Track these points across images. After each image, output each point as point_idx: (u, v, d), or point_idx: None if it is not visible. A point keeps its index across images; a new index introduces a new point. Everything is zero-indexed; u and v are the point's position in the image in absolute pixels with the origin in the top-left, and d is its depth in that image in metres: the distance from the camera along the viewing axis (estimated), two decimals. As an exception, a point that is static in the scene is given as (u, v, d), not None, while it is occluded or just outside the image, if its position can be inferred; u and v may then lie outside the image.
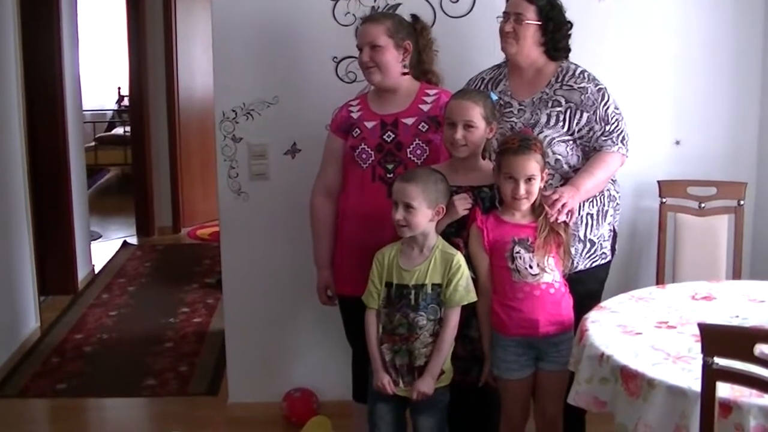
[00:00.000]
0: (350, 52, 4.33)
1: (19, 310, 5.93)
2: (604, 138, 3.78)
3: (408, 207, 3.43)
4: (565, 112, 3.79)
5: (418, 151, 3.79)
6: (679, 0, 4.50)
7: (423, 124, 3.80)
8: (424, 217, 3.46)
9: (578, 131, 3.79)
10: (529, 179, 3.44)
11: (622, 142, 3.81)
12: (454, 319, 3.51)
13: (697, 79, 4.56)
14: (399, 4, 4.37)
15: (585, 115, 3.78)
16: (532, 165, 3.44)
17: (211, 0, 4.42)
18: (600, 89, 3.82)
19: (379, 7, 4.37)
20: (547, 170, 3.55)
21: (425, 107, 3.84)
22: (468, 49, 4.34)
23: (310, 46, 4.42)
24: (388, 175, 3.76)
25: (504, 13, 3.85)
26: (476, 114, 3.57)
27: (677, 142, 4.59)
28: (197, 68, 9.11)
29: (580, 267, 3.81)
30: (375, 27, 3.81)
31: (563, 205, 3.49)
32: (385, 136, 3.80)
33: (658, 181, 4.49)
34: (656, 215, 4.51)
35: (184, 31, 9.07)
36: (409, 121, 3.81)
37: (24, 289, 6.01)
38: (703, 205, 4.48)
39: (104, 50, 12.81)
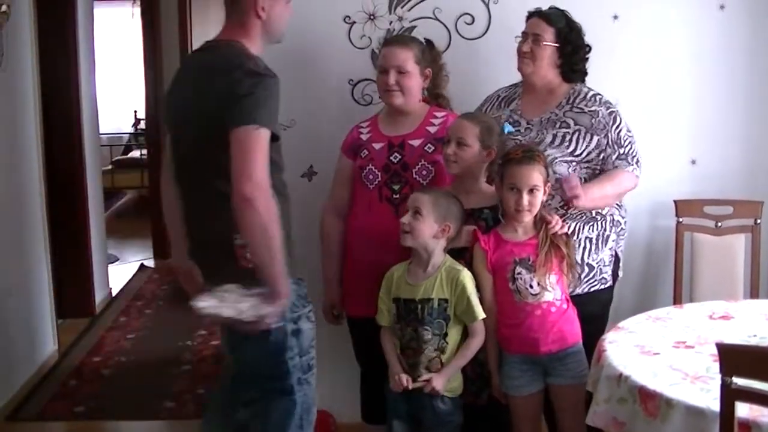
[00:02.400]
0: (366, 74, 4.37)
1: (37, 332, 5.95)
2: (619, 160, 3.79)
3: (416, 213, 3.48)
4: (573, 134, 3.80)
5: (424, 172, 3.83)
6: (693, 18, 4.50)
7: (429, 145, 3.84)
8: (429, 229, 3.49)
9: (586, 154, 3.79)
10: (531, 190, 3.46)
11: (636, 163, 3.82)
12: (481, 331, 3.55)
13: (712, 98, 4.55)
14: (414, 26, 4.40)
15: (595, 138, 3.79)
16: (535, 175, 3.46)
17: (227, 24, 4.45)
18: (612, 113, 3.82)
19: (394, 30, 4.39)
20: (549, 184, 3.56)
21: (432, 129, 3.88)
22: (483, 71, 4.36)
23: (326, 68, 4.44)
24: (395, 196, 3.80)
25: (522, 33, 3.89)
26: (470, 134, 3.61)
27: (693, 162, 4.58)
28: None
29: (578, 291, 3.80)
30: (404, 51, 3.83)
31: (568, 209, 3.56)
32: (391, 157, 3.84)
33: (675, 201, 4.49)
34: (673, 235, 4.50)
35: (200, 54, 9.09)
36: (416, 142, 3.85)
37: (42, 312, 6.03)
38: (719, 224, 4.48)
39: (120, 74, 12.88)
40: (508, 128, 3.72)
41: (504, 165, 3.53)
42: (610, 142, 3.78)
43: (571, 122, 3.82)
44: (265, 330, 3.09)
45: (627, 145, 3.80)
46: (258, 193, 2.91)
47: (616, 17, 4.44)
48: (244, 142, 2.94)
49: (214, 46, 3.24)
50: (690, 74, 4.54)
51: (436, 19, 4.42)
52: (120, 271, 8.74)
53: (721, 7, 4.47)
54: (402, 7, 4.41)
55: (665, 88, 4.52)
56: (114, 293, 7.92)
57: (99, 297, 7.37)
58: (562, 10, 3.91)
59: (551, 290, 3.50)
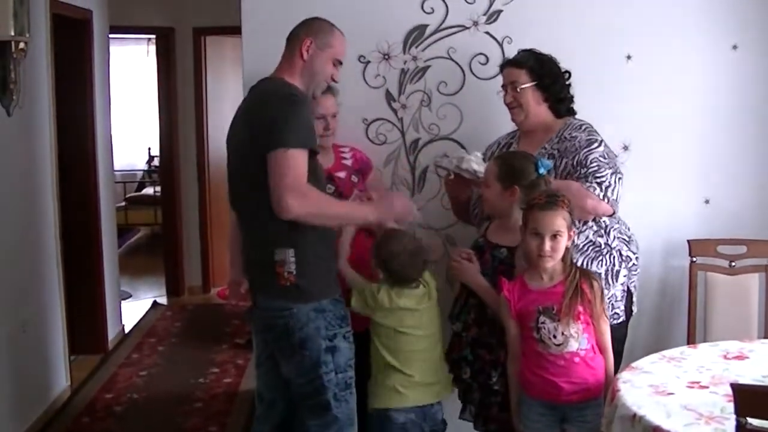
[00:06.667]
0: (380, 114, 4.40)
1: (49, 369, 5.96)
2: (579, 179, 3.77)
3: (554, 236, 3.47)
4: (556, 161, 3.85)
5: (357, 200, 4.05)
6: (706, 58, 4.53)
7: (353, 176, 4.24)
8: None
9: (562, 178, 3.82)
10: (554, 236, 3.43)
11: (600, 186, 3.76)
12: None
13: (725, 137, 4.56)
14: (428, 67, 4.43)
15: (564, 161, 3.83)
16: (559, 221, 3.43)
17: (242, 61, 4.48)
18: (590, 140, 3.84)
19: (408, 70, 4.43)
20: (574, 230, 3.54)
21: (348, 162, 4.28)
22: (497, 111, 4.36)
23: (341, 108, 4.45)
24: None
25: (501, 86, 4.00)
26: (490, 174, 3.76)
27: (707, 201, 4.58)
28: (227, 129, 9.14)
29: None
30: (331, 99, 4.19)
31: None
32: (327, 188, 3.91)
33: (688, 241, 4.48)
34: (686, 274, 4.50)
35: (215, 91, 9.15)
36: (342, 174, 4.20)
37: (54, 349, 6.04)
38: (733, 263, 4.47)
39: (135, 111, 12.95)
40: (545, 165, 3.67)
41: (528, 210, 3.50)
42: (574, 164, 3.80)
43: (556, 152, 3.88)
44: (301, 347, 3.47)
45: (593, 167, 3.77)
46: (292, 201, 3.30)
47: (629, 57, 4.46)
48: (276, 165, 3.34)
49: (260, 84, 3.65)
50: (703, 114, 4.55)
51: (450, 59, 4.45)
52: (133, 307, 8.74)
53: (734, 47, 4.49)
54: (416, 47, 4.45)
55: (678, 127, 4.53)
56: (127, 330, 7.92)
57: (112, 333, 7.37)
58: (529, 50, 3.99)
59: (576, 340, 3.46)
